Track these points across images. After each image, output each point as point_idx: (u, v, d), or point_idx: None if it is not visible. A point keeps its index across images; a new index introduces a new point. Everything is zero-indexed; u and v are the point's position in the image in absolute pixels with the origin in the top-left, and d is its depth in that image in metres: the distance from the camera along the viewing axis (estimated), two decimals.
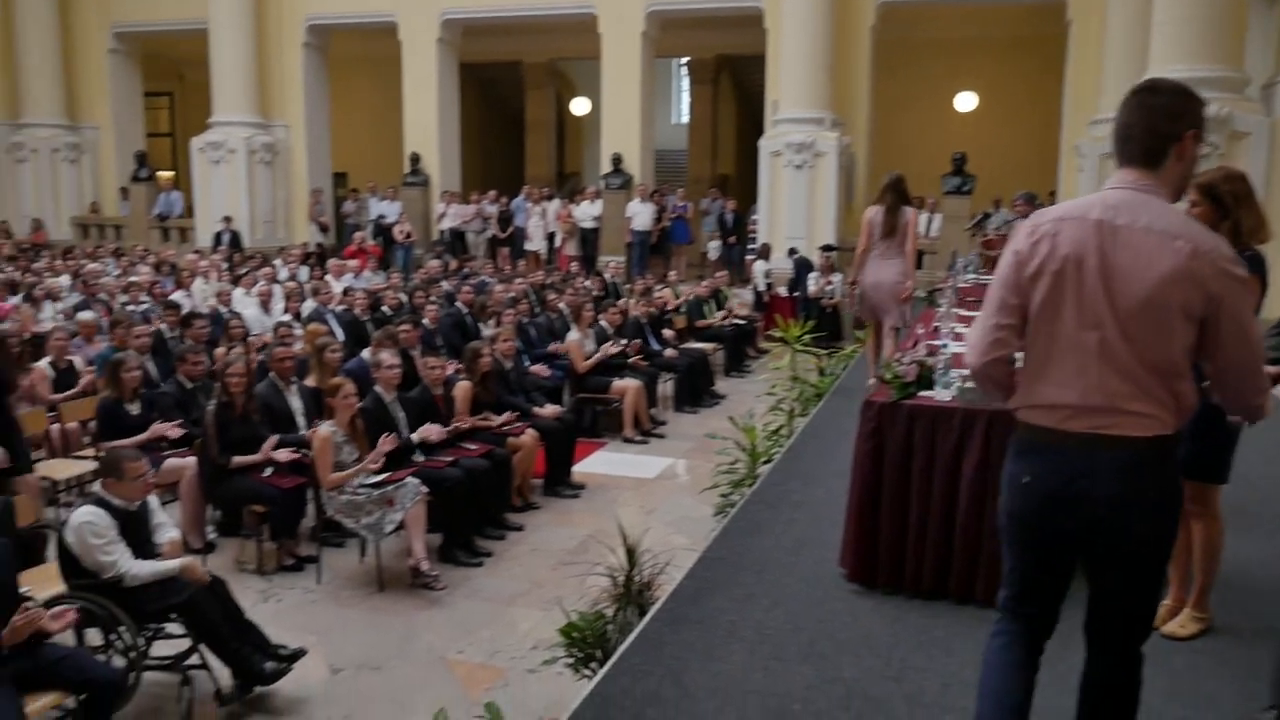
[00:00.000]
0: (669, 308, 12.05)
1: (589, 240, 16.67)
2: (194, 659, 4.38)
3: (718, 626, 3.76)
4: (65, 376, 7.76)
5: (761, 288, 14.36)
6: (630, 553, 4.29)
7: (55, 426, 7.20)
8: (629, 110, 16.57)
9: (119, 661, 4.22)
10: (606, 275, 13.41)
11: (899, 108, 18.29)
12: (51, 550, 4.66)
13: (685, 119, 24.85)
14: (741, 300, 13.92)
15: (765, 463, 6.05)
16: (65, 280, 11.98)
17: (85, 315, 9.43)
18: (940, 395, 4.13)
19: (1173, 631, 3.71)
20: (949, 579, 3.98)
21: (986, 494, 3.86)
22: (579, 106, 24.21)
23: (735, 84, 22.74)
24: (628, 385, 8.99)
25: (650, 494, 7.54)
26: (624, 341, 9.56)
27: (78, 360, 8.07)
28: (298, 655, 4.46)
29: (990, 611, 3.83)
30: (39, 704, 3.64)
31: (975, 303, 7.33)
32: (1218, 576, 3.71)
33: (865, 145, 15.90)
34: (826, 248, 13.82)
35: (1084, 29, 14.57)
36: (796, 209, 14.78)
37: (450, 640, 5.07)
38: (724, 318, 12.56)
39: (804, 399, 7.59)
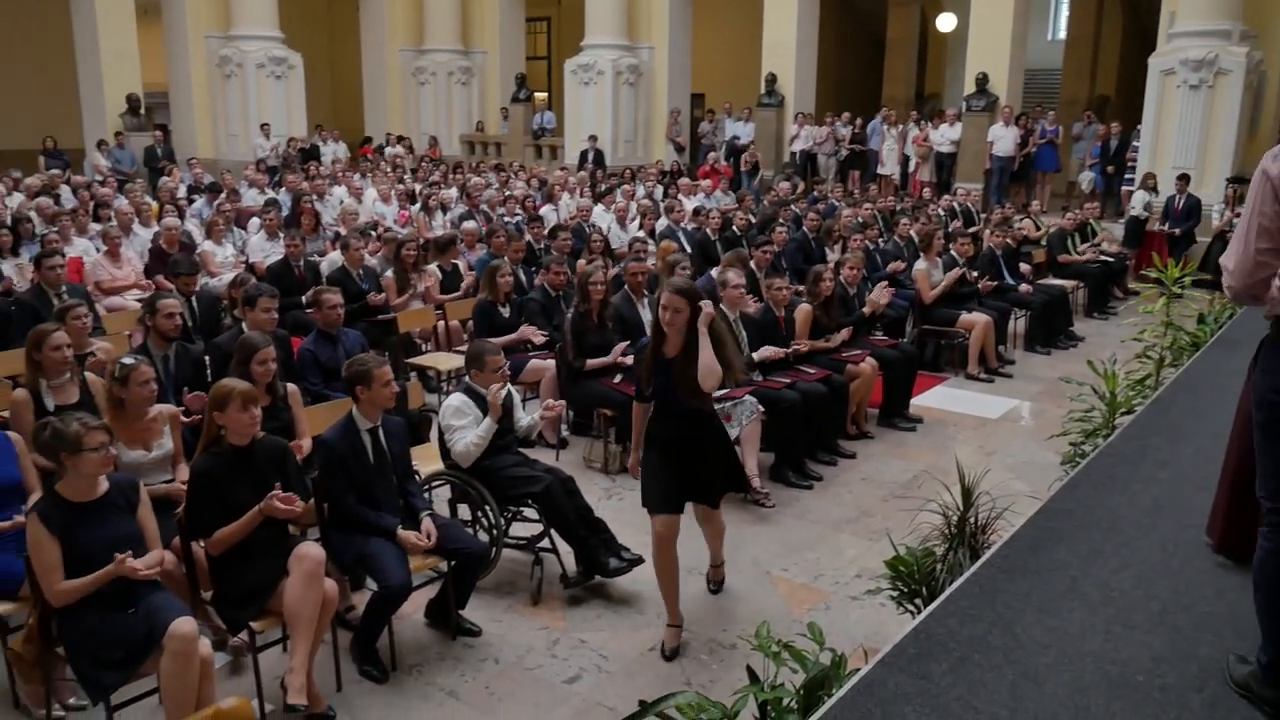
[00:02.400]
0: (1029, 240, 11.26)
1: (945, 165, 15.91)
2: (545, 543, 4.83)
3: (1058, 581, 3.56)
4: (450, 279, 8.68)
5: (1141, 218, 13.00)
6: (967, 493, 4.14)
7: (441, 323, 8.10)
8: (999, 26, 15.44)
9: (483, 537, 4.75)
10: (960, 203, 12.76)
11: None
12: (434, 433, 5.27)
13: (1062, 35, 22.76)
14: (1111, 235, 12.72)
15: (1125, 414, 5.56)
16: (454, 192, 13.29)
17: (469, 225, 10.44)
18: None
19: None
20: None
21: None
22: (944, 23, 22.90)
23: None
24: (976, 319, 8.57)
25: (991, 435, 7.21)
26: (974, 273, 9.09)
27: (461, 265, 8.99)
28: (638, 560, 4.76)
29: None
30: (418, 564, 4.19)
31: None
32: None
33: None
34: (1236, 179, 12.18)
35: None
36: (1187, 136, 13.15)
37: (776, 557, 5.20)
38: (1090, 253, 11.50)
39: (1177, 348, 6.84)
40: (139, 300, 7.97)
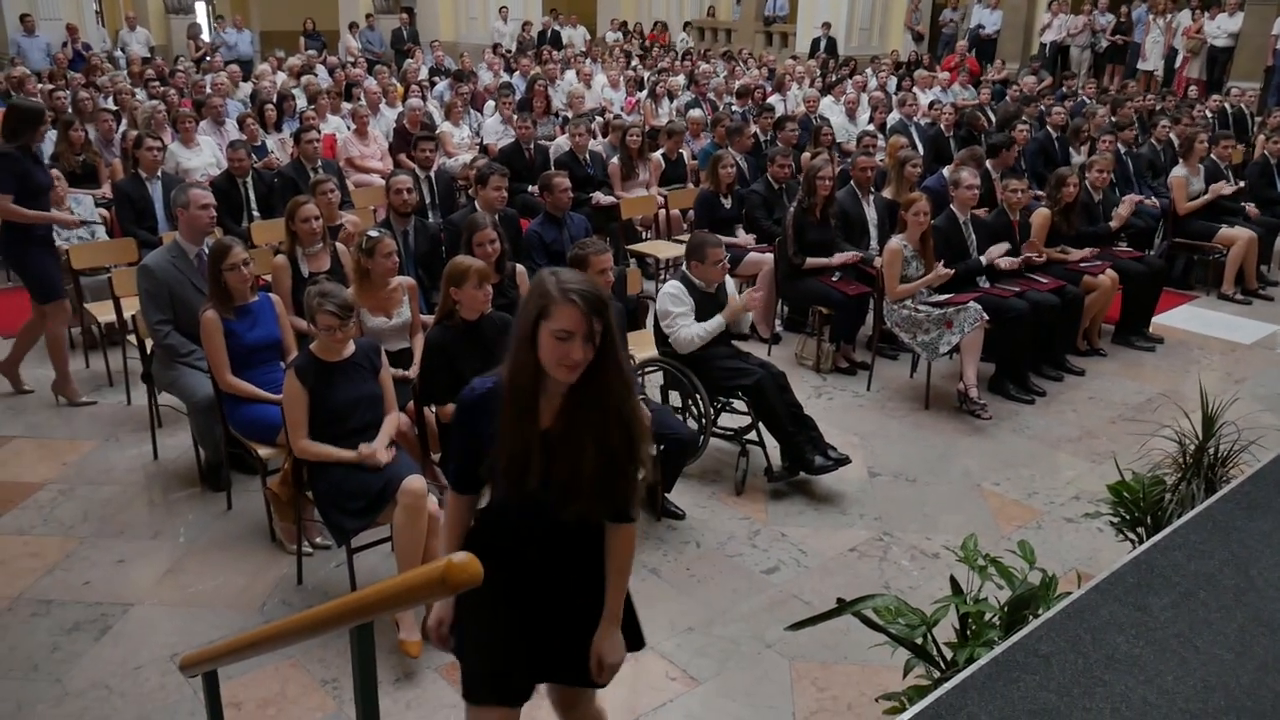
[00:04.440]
0: None
1: (1218, 61, 14.32)
2: (752, 435, 4.88)
3: None
4: (674, 167, 8.70)
5: None
6: (1209, 421, 3.85)
7: (662, 212, 8.17)
8: None
9: (693, 424, 4.86)
10: (1233, 104, 11.50)
11: None
12: (650, 319, 5.38)
13: None
14: None
15: None
16: (681, 79, 13.20)
17: (695, 114, 10.37)
18: None
19: None
20: None
21: None
22: None
23: None
24: (1238, 235, 7.80)
25: (1242, 361, 6.62)
26: (1239, 183, 8.24)
27: (685, 154, 8.98)
28: (844, 461, 4.73)
29: None
30: None
31: None
32: None
33: None
34: None
35: None
36: None
37: (988, 470, 5.05)
38: None
39: None
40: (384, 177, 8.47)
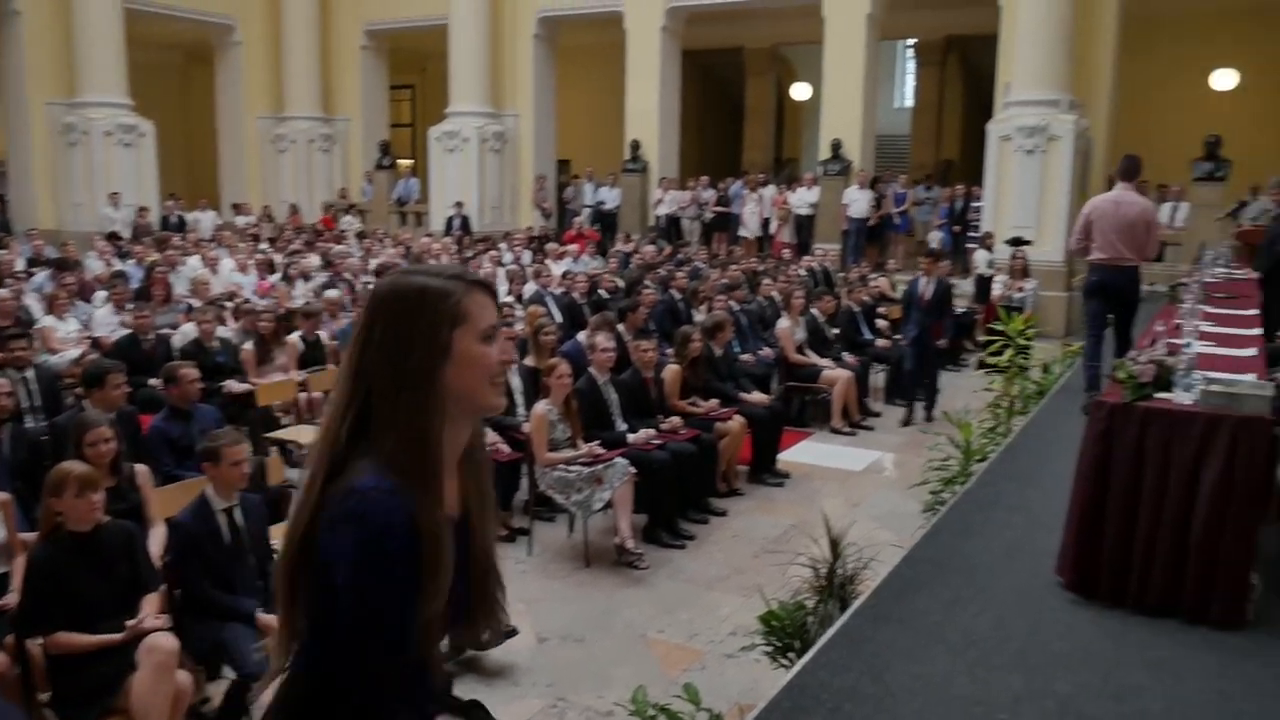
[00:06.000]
0: (884, 297, 11.72)
1: (804, 227, 16.48)
2: None
3: (922, 627, 3.65)
4: (313, 349, 8.45)
5: (986, 275, 13.72)
6: (834, 545, 4.23)
7: (303, 395, 7.85)
8: (850, 95, 16.20)
9: None
10: (819, 263, 13.21)
11: (1146, 88, 17.00)
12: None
13: (909, 103, 24.05)
14: (962, 292, 13.35)
15: (980, 461, 5.80)
16: (316, 260, 13.00)
17: (331, 293, 10.21)
18: (1180, 398, 3.82)
19: None
20: (1181, 595, 3.69)
21: (1228, 507, 3.56)
22: (799, 92, 23.92)
23: (964, 66, 21.79)
24: (838, 375, 8.84)
25: (856, 487, 7.39)
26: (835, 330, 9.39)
27: (324, 335, 8.76)
28: (512, 632, 4.65)
29: (1227, 635, 3.53)
30: None
31: (1226, 299, 6.73)
32: None
33: (1105, 129, 14.88)
34: (1016, 241, 13.00)
35: None
36: (1025, 197, 13.98)
37: (650, 619, 5.17)
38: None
39: (1024, 396, 7.21)
40: None
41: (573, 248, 14.88)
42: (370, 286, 11.14)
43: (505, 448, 6.22)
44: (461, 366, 1.51)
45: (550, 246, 14.65)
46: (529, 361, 7.21)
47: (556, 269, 12.48)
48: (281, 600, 1.58)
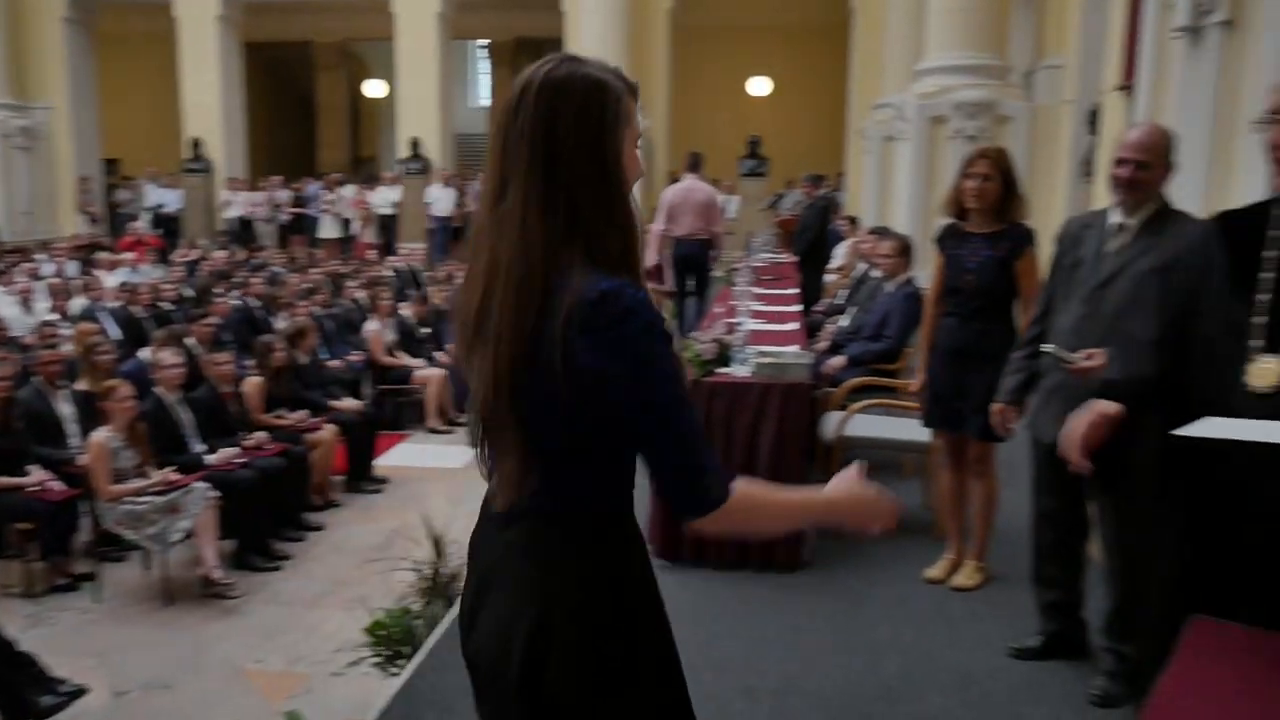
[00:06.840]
0: None
1: (388, 227, 16.21)
2: None
3: None
4: None
5: None
6: (437, 544, 4.21)
7: None
8: (426, 93, 16.18)
9: None
10: (406, 263, 13.07)
11: (697, 92, 18.69)
12: None
13: (485, 102, 24.51)
14: None
15: None
16: None
17: None
18: (738, 372, 4.24)
19: (960, 584, 3.98)
20: (749, 548, 4.10)
21: (782, 462, 4.02)
22: (373, 89, 23.44)
23: None
24: (431, 374, 8.79)
25: (457, 484, 7.39)
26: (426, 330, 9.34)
27: None
28: (80, 693, 4.11)
29: (792, 577, 3.99)
30: None
31: (771, 280, 7.59)
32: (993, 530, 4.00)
33: (664, 130, 16.16)
34: None
35: (867, 17, 15.29)
36: None
37: (248, 650, 4.82)
38: None
39: None
40: None
41: (130, 255, 13.43)
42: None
43: (57, 485, 5.47)
44: (627, 171, 1.42)
45: (102, 256, 13.10)
46: (82, 385, 6.39)
47: (111, 280, 11.18)
48: (513, 438, 1.51)
